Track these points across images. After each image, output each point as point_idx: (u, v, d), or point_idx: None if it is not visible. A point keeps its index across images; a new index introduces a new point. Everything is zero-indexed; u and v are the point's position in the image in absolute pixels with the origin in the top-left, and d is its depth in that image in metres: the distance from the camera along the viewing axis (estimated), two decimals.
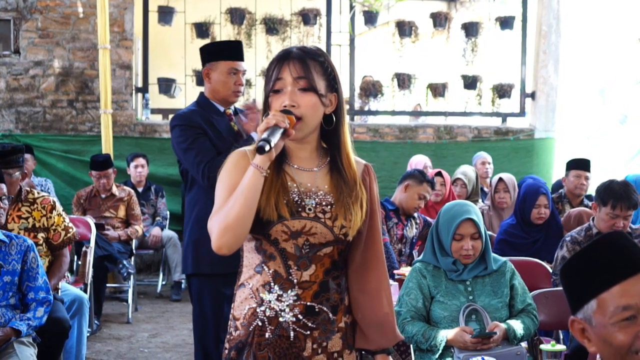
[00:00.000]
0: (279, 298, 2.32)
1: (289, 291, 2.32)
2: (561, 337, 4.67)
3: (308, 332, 2.34)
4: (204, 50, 4.21)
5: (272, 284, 2.32)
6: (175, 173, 9.00)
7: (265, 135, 2.18)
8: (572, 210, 6.13)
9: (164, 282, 8.50)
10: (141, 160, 8.39)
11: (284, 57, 2.34)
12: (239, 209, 2.20)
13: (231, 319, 2.41)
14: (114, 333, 6.82)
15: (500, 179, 6.78)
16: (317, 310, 2.34)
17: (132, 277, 7.31)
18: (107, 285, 7.69)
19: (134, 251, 7.71)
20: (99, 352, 6.22)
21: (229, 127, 4.13)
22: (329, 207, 2.34)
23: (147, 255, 8.82)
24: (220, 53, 4.14)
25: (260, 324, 2.33)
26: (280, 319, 2.32)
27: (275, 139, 2.18)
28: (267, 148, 2.16)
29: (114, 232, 7.31)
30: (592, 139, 10.21)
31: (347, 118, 2.47)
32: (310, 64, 2.32)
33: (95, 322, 6.73)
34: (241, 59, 4.18)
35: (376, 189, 2.48)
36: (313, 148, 2.40)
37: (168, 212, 8.51)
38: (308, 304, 2.33)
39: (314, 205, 2.32)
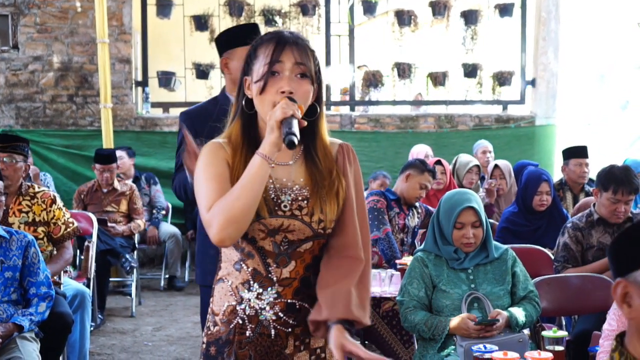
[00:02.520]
0: (259, 296, 2.27)
1: (269, 289, 2.27)
2: (563, 323, 4.67)
3: (290, 330, 2.30)
4: (218, 41, 3.81)
5: (251, 282, 2.28)
6: None
7: (286, 129, 2.11)
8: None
9: (166, 276, 8.51)
10: (119, 152, 8.05)
11: (282, 40, 2.26)
12: (245, 200, 2.12)
13: (210, 312, 2.36)
14: (118, 327, 6.83)
15: (496, 166, 6.86)
16: (298, 307, 2.29)
17: (135, 270, 7.33)
18: (111, 279, 7.71)
19: (137, 245, 7.72)
20: (103, 345, 6.23)
21: None
22: (305, 201, 2.27)
23: (150, 249, 8.81)
24: (237, 38, 3.71)
25: (240, 322, 2.29)
26: (261, 317, 2.28)
27: (297, 131, 2.12)
28: (296, 141, 2.10)
29: (118, 228, 7.31)
30: (593, 125, 10.19)
31: (324, 109, 2.39)
32: (307, 51, 2.27)
33: (99, 316, 6.75)
34: None
35: (355, 167, 2.37)
36: None
37: (167, 202, 8.46)
38: (289, 301, 2.28)
39: (289, 201, 2.26)
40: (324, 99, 2.39)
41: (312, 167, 2.31)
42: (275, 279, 2.26)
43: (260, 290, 2.27)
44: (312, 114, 2.30)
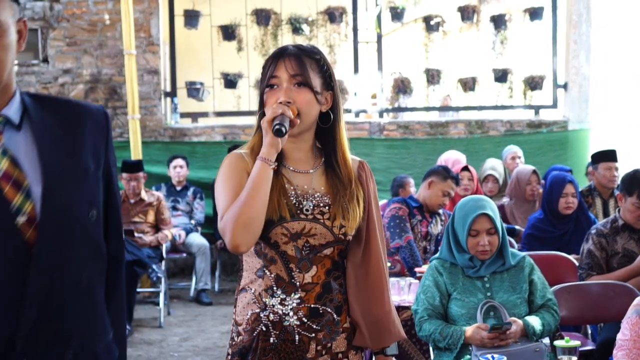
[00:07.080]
0: (283, 302, 2.31)
1: (292, 294, 2.31)
2: (589, 332, 4.57)
3: (313, 335, 2.32)
4: None
5: (274, 287, 2.31)
6: (206, 177, 9.02)
7: (277, 121, 2.20)
8: None
9: (197, 287, 8.50)
10: (180, 161, 8.52)
11: (279, 55, 2.35)
12: (252, 203, 2.18)
13: (233, 324, 2.40)
14: (145, 337, 6.84)
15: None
16: (321, 311, 2.33)
17: (162, 281, 7.34)
18: (140, 290, 7.74)
19: (165, 255, 7.70)
20: (129, 357, 6.13)
21: None
22: (326, 207, 2.33)
23: (180, 259, 8.84)
24: None
25: (264, 329, 2.32)
26: (285, 323, 2.31)
27: (287, 125, 2.20)
28: (284, 130, 2.19)
29: (146, 238, 7.34)
30: (628, 128, 9.99)
31: (343, 117, 2.47)
32: (306, 61, 2.33)
33: (127, 326, 6.76)
34: None
35: (373, 186, 2.46)
36: (308, 148, 2.40)
37: (203, 218, 8.52)
38: (312, 306, 2.32)
39: (311, 207, 2.32)
40: (341, 106, 2.45)
41: (332, 176, 2.38)
42: (298, 284, 2.31)
43: (284, 296, 2.31)
44: (327, 122, 2.38)
